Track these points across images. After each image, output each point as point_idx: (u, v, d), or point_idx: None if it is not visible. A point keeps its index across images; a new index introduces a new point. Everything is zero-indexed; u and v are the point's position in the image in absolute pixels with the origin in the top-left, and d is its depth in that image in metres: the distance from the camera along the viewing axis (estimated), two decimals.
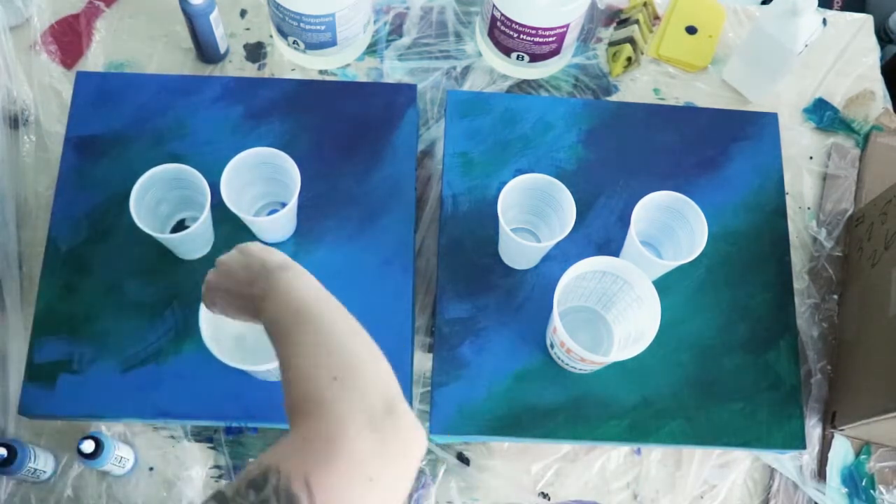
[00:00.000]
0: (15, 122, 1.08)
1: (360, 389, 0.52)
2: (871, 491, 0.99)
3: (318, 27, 1.05)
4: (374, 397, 0.52)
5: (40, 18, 1.13)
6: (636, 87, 1.17)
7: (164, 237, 0.90)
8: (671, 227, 0.96)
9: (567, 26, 1.05)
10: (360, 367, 0.55)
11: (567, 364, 0.93)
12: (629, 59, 1.16)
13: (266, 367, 0.84)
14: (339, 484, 0.47)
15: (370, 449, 0.49)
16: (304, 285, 0.64)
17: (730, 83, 1.17)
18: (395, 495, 0.50)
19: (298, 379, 0.54)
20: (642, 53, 1.18)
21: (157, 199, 0.93)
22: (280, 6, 1.02)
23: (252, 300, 0.67)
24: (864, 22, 1.25)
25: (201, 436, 0.97)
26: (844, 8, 1.49)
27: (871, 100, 1.18)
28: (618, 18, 1.21)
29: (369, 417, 0.50)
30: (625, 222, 0.93)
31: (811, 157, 1.15)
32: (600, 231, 1.02)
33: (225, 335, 0.90)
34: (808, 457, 1.00)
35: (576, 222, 0.91)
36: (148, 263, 0.96)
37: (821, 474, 1.00)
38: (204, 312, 0.85)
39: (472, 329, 0.97)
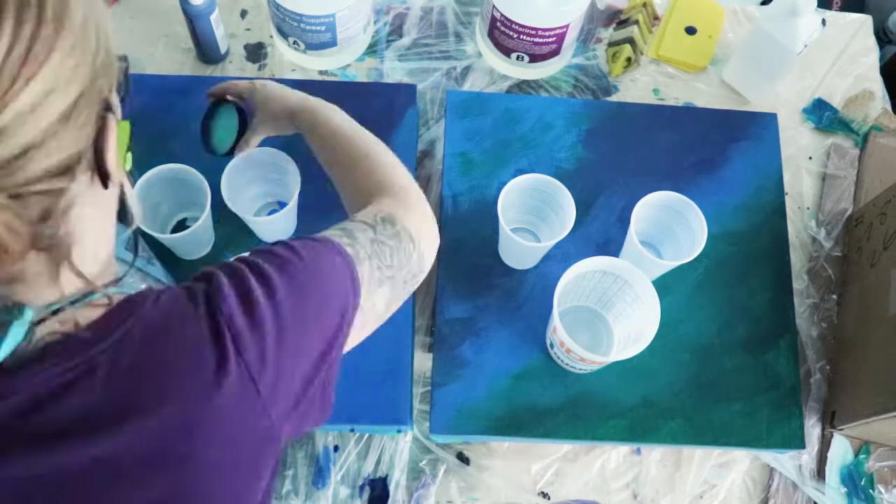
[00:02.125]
0: None
1: (406, 175, 0.78)
2: (870, 490, 1.00)
3: (319, 28, 1.05)
4: (409, 178, 0.78)
5: None
6: (636, 88, 1.17)
7: (165, 237, 0.91)
8: (671, 227, 0.96)
9: (567, 27, 1.06)
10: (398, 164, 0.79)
11: (567, 364, 0.93)
12: (629, 59, 1.16)
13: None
14: (421, 225, 0.72)
15: (423, 206, 0.75)
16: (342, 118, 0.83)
17: (729, 83, 1.18)
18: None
19: (372, 170, 0.78)
20: (642, 54, 1.19)
21: (157, 199, 0.93)
22: (280, 7, 1.03)
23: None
24: (863, 22, 1.25)
25: None
26: (844, 8, 1.49)
27: (870, 100, 1.19)
28: (617, 19, 1.21)
29: (418, 191, 0.77)
30: (624, 222, 0.93)
31: (810, 158, 1.15)
32: (600, 231, 1.02)
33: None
34: (808, 456, 1.01)
35: (576, 222, 0.91)
36: None
37: (820, 474, 1.00)
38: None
39: (471, 329, 0.97)
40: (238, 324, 0.52)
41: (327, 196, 1.02)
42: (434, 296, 1.01)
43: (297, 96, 0.86)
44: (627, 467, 0.99)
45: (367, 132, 0.82)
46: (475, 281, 0.99)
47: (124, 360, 0.49)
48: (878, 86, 1.20)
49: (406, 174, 0.78)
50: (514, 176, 0.94)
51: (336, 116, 0.83)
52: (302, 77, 1.13)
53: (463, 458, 0.98)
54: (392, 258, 0.67)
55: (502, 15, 1.05)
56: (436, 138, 1.11)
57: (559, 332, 0.85)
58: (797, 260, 1.09)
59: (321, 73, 1.14)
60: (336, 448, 0.97)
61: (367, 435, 0.98)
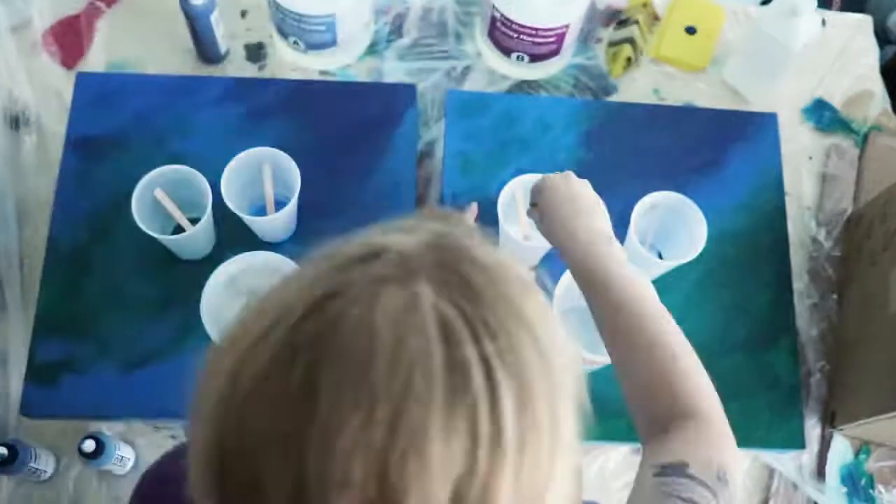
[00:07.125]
0: (16, 123, 1.08)
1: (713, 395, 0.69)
2: (871, 490, 1.00)
3: (319, 27, 1.05)
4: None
5: (41, 19, 1.13)
6: (636, 88, 1.17)
7: (166, 238, 0.91)
8: (671, 227, 0.96)
9: (567, 26, 1.06)
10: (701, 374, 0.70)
11: None
12: (629, 59, 1.16)
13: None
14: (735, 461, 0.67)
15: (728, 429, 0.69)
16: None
17: (729, 83, 1.17)
18: None
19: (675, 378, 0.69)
20: (642, 54, 1.19)
21: (158, 200, 0.93)
22: (280, 6, 1.03)
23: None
24: (862, 22, 1.25)
25: None
26: (843, 8, 1.49)
27: (870, 100, 1.19)
28: (617, 19, 1.21)
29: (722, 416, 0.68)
30: (624, 222, 0.93)
31: (810, 158, 1.15)
32: None
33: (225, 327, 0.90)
34: (808, 456, 1.01)
35: None
36: (149, 264, 0.96)
37: (820, 474, 1.00)
38: (205, 306, 0.85)
39: None
40: None
41: (327, 196, 1.02)
42: None
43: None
44: (627, 467, 0.99)
45: (670, 320, 0.71)
46: None
47: None
48: (877, 86, 1.20)
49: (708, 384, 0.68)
50: (514, 176, 0.93)
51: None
52: (302, 77, 1.13)
53: None
54: None
55: (502, 15, 1.05)
56: (436, 138, 1.11)
57: None
58: (797, 260, 1.08)
59: (321, 72, 1.14)
60: None
61: None
